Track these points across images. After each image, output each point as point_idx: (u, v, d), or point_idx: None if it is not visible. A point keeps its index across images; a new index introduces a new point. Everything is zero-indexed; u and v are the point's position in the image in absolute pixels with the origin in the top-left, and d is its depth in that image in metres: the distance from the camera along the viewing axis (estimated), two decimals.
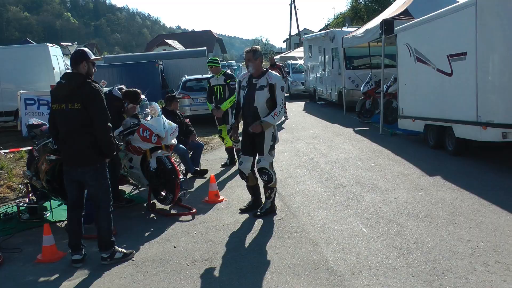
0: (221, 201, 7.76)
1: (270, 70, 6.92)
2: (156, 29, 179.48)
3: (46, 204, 7.80)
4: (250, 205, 7.22)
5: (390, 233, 5.88)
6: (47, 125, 7.48)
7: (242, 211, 7.13)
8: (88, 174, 5.45)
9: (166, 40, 78.08)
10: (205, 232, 6.38)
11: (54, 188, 6.95)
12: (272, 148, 6.81)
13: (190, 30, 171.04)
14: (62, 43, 62.27)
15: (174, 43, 74.12)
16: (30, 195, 8.02)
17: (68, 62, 26.98)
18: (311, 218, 6.66)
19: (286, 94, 18.62)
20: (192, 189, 8.63)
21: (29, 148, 8.76)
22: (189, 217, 7.06)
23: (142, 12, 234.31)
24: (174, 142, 7.68)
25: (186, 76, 18.53)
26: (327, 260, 5.23)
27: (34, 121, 7.98)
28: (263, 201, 7.17)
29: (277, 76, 6.81)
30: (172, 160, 7.33)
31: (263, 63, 7.25)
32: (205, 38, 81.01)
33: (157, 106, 7.90)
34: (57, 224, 7.22)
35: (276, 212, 6.97)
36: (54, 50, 19.09)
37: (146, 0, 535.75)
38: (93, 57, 5.54)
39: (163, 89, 23.09)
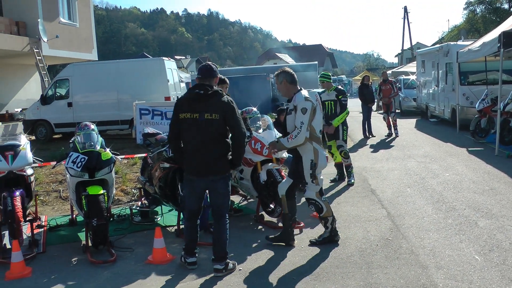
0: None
1: (300, 91, 6.27)
2: (268, 43, 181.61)
3: (158, 209, 8.20)
4: (277, 236, 6.60)
5: (506, 264, 5.53)
6: (162, 134, 7.83)
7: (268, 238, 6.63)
8: (219, 182, 5.59)
9: (277, 53, 79.12)
10: (312, 247, 6.37)
11: (166, 194, 7.23)
12: (313, 176, 6.25)
13: (301, 44, 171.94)
14: (176, 57, 64.77)
15: (285, 57, 75.01)
16: (143, 199, 8.45)
17: (182, 75, 28.10)
18: (421, 240, 6.45)
19: (397, 111, 18.21)
20: (300, 203, 8.62)
21: (144, 155, 9.19)
22: (297, 230, 7.05)
23: (254, 26, 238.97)
24: (285, 156, 7.74)
25: None
26: (437, 285, 5.04)
27: (150, 130, 8.36)
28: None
29: (301, 97, 6.15)
30: (282, 174, 7.38)
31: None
32: (316, 52, 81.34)
33: (268, 119, 8.01)
34: (167, 228, 7.52)
35: (339, 243, 6.45)
36: (169, 64, 19.89)
37: (259, 14, 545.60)
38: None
39: (273, 102, 23.34)
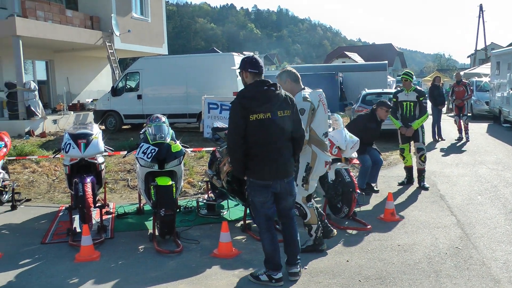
0: (397, 220, 7.51)
1: (301, 91, 5.95)
2: (337, 41, 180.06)
3: (224, 203, 8.25)
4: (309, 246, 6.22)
5: None
6: None
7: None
8: (292, 183, 5.31)
9: (346, 52, 78.19)
10: (379, 250, 6.23)
11: (233, 189, 7.25)
12: (305, 180, 5.96)
13: (370, 43, 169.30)
14: (244, 53, 65.18)
15: (354, 56, 74.06)
16: (209, 192, 8.52)
17: None
18: (492, 251, 6.17)
19: (468, 114, 17.59)
20: (368, 205, 8.48)
21: (211, 149, 9.26)
22: (365, 232, 6.94)
23: (324, 24, 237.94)
24: (354, 156, 7.64)
25: (366, 89, 18.38)
26: None
27: (219, 124, 8.40)
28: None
29: (299, 97, 5.78)
30: (351, 174, 7.28)
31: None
32: (386, 52, 79.89)
33: (339, 118, 7.91)
34: (233, 223, 7.54)
35: (326, 252, 6.14)
36: (239, 59, 19.88)
37: (328, 12, 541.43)
38: None
39: (341, 101, 23.13)
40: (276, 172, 5.13)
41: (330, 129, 7.61)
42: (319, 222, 6.13)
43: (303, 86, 6.05)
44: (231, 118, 5.11)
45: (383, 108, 9.21)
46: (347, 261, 5.88)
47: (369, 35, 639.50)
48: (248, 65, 5.19)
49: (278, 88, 5.14)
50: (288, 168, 5.22)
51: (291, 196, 5.35)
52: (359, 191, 7.58)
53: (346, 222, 7.39)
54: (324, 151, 6.05)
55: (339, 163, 7.39)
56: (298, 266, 5.41)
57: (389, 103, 9.46)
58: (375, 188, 9.38)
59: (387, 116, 9.36)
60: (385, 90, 17.82)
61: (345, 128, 7.74)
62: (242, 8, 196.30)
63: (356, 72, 27.42)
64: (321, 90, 6.15)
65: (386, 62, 30.01)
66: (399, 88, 10.09)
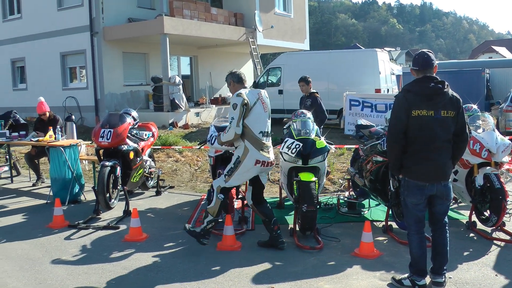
0: None
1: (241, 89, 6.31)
2: (483, 35, 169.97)
3: (365, 202, 8.13)
4: (267, 241, 6.52)
5: None
6: (376, 127, 7.71)
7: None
8: (448, 187, 5.04)
9: (493, 46, 73.77)
10: None
11: (376, 188, 7.13)
12: (230, 172, 6.23)
13: None
14: (385, 48, 63.82)
15: (502, 50, 69.69)
16: (351, 190, 8.44)
17: (394, 67, 27.52)
18: None
19: None
20: None
21: (352, 146, 9.15)
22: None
23: (470, 17, 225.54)
24: (505, 160, 7.14)
25: None
26: None
27: (363, 122, 8.31)
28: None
29: (235, 93, 6.21)
30: (501, 180, 6.80)
31: None
32: None
33: (489, 118, 7.43)
34: (374, 223, 7.41)
35: (205, 243, 6.27)
36: (382, 55, 19.50)
37: (475, 4, 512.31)
38: None
39: (487, 100, 21.84)
40: (433, 173, 4.92)
41: (480, 130, 7.19)
42: (218, 219, 6.43)
43: (246, 87, 6.46)
44: (393, 112, 5.04)
45: None
46: (496, 275, 5.48)
47: None
48: (414, 60, 5.07)
49: (446, 87, 4.91)
50: (446, 170, 4.98)
51: (447, 201, 5.09)
52: (510, 199, 7.00)
53: (494, 234, 6.88)
54: (260, 151, 6.19)
55: (488, 167, 6.93)
56: (444, 277, 5.15)
57: None
58: None
59: None
60: None
61: (495, 129, 7.26)
62: (384, 3, 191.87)
63: (505, 68, 25.61)
64: (263, 90, 6.51)
65: None
66: None
